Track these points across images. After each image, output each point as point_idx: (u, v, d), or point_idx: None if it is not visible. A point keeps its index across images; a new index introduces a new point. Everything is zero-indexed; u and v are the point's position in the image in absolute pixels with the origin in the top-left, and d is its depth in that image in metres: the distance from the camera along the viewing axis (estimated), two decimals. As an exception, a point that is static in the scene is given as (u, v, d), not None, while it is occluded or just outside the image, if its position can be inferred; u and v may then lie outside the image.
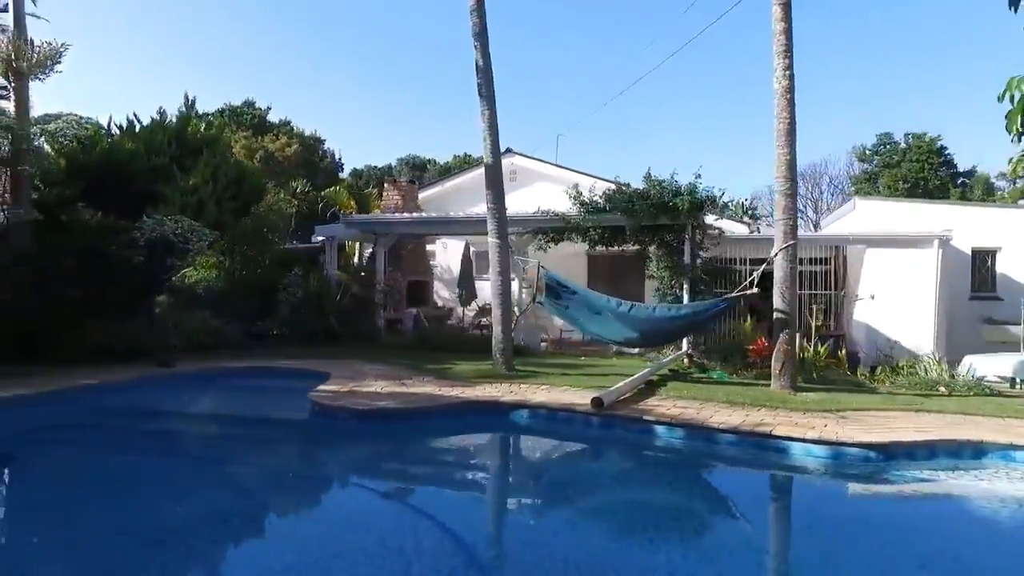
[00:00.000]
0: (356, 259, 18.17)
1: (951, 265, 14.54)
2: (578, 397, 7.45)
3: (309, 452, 6.94)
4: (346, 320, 14.07)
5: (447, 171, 35.76)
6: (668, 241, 12.39)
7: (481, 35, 9.25)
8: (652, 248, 12.60)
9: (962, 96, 48.76)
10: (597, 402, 6.74)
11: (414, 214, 15.71)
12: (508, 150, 20.03)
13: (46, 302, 9.77)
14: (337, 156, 31.33)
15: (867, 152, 35.46)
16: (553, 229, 13.51)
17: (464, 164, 37.62)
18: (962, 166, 33.44)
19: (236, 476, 5.95)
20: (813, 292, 16.71)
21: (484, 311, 17.95)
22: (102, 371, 8.81)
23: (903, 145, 33.77)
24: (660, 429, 6.44)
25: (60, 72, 10.49)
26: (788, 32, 7.92)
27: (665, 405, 7.13)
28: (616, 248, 13.54)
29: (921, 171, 31.92)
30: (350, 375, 8.92)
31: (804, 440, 5.74)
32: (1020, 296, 15.32)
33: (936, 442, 5.76)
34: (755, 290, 8.10)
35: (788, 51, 7.92)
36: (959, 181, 32.66)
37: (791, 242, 8.07)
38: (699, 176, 11.84)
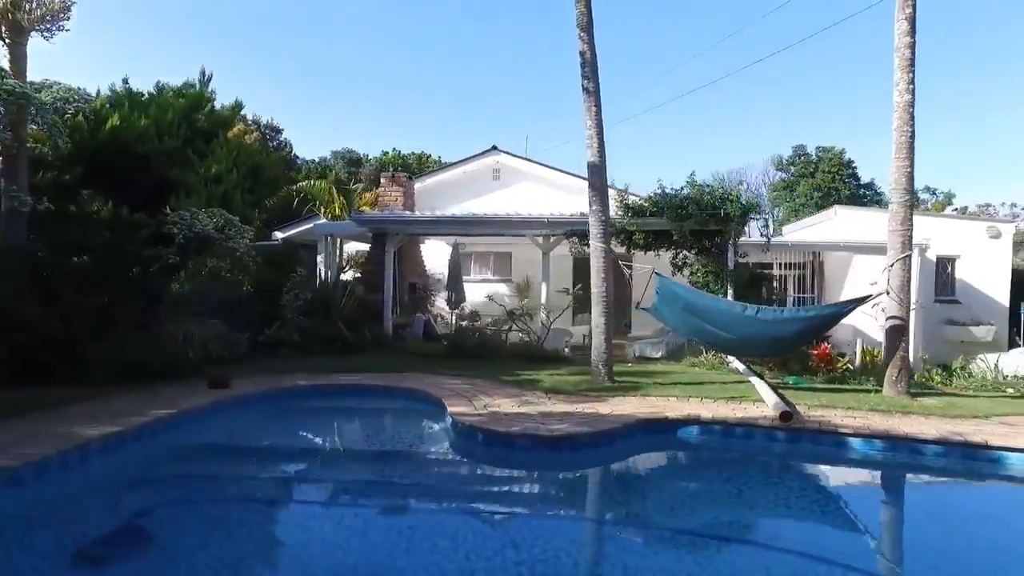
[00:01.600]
0: (337, 259, 16.84)
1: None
2: (728, 409, 7.25)
3: (515, 491, 6.02)
4: (352, 326, 12.96)
5: (383, 167, 34.20)
6: (707, 247, 12.52)
7: (588, 26, 8.76)
8: (691, 253, 12.67)
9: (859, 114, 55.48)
10: (787, 416, 6.54)
11: (436, 213, 14.78)
12: (493, 147, 19.50)
13: (57, 309, 8.10)
14: (292, 148, 28.86)
15: (784, 162, 38.23)
16: (584, 231, 13.19)
17: (395, 161, 36.15)
18: (864, 179, 36.92)
19: (466, 531, 4.74)
20: (800, 296, 17.75)
21: (475, 315, 17.33)
22: (144, 395, 7.43)
23: (815, 157, 36.72)
24: (856, 442, 6.35)
25: (68, 31, 8.71)
26: (912, 46, 8.13)
27: (808, 415, 7.03)
28: (651, 252, 13.43)
29: (833, 181, 34.86)
30: (449, 392, 8.10)
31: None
32: (976, 299, 17.09)
33: None
34: (885, 293, 8.26)
35: (911, 65, 8.13)
36: (862, 192, 36.03)
37: (907, 252, 8.32)
38: (742, 183, 12.06)
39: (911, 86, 8.13)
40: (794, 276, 17.81)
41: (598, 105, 8.85)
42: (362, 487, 5.79)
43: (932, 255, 16.89)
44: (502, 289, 19.60)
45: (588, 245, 13.40)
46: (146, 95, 10.69)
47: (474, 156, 19.54)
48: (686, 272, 12.91)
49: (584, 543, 4.79)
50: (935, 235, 17.02)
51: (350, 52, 58.38)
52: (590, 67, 8.79)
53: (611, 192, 13.65)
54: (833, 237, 17.52)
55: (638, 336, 16.20)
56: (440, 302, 17.46)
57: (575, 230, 13.37)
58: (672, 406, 7.45)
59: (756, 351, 9.35)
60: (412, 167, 35.69)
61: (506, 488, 6.17)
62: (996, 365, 10.91)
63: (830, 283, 17.82)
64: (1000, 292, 16.64)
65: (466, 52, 60.11)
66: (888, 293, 8.38)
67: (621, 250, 13.92)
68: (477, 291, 18.84)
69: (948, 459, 6.04)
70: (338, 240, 15.12)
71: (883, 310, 8.60)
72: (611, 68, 60.97)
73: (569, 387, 8.68)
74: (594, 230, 8.94)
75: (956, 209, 33.46)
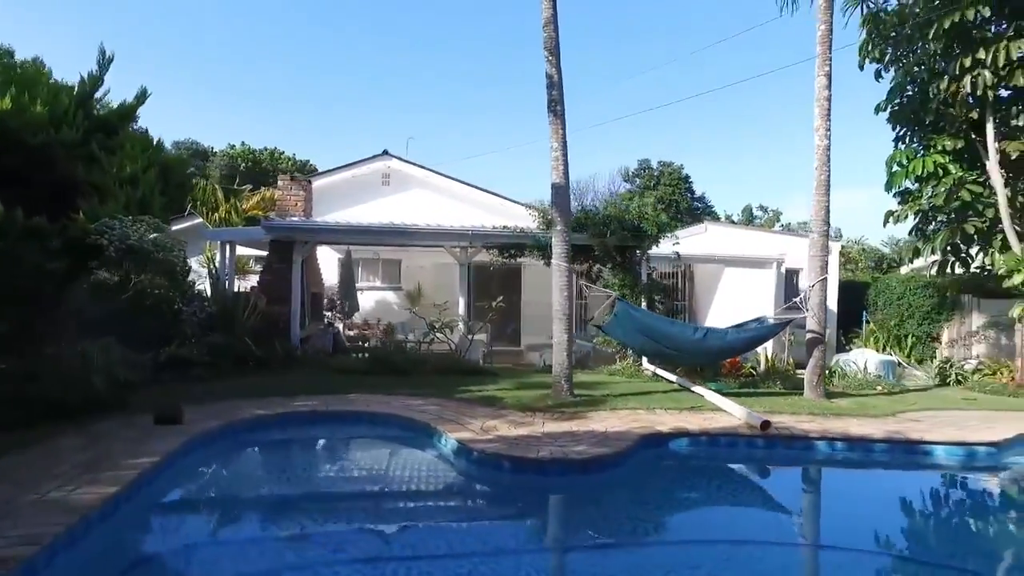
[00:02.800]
0: (214, 266, 15.22)
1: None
2: (700, 420, 7.93)
3: (576, 519, 5.86)
4: (259, 342, 11.99)
5: (233, 161, 31.39)
6: (621, 261, 13.36)
7: (555, 50, 8.98)
8: (607, 267, 13.42)
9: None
10: (766, 425, 7.31)
11: (362, 222, 14.06)
12: (384, 152, 19.03)
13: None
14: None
15: (630, 174, 41.40)
16: (511, 245, 13.42)
17: (245, 156, 33.29)
18: (697, 192, 41.25)
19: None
20: (676, 302, 19.45)
21: (368, 325, 16.76)
22: (80, 438, 6.33)
23: (657, 171, 40.26)
24: (821, 444, 7.29)
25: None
26: (829, 99, 9.44)
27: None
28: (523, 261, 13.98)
29: (674, 194, 38.49)
30: (430, 416, 7.86)
31: (952, 443, 7.15)
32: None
33: None
34: (807, 312, 9.48)
35: (828, 115, 9.43)
36: (696, 205, 40.25)
37: (824, 276, 9.64)
38: (660, 202, 13.07)
39: (828, 132, 9.44)
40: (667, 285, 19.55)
41: (564, 127, 9.11)
42: (422, 534, 5.27)
43: (783, 269, 19.48)
44: (391, 297, 19.20)
45: (508, 256, 13.82)
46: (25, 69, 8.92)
47: (364, 160, 18.85)
48: (600, 284, 13.65)
49: (694, 558, 4.94)
50: (785, 250, 19.67)
51: (190, 34, 52.75)
52: (558, 90, 9.02)
53: (534, 209, 14.11)
54: (706, 250, 19.47)
55: (536, 344, 16.73)
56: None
57: (495, 243, 13.54)
58: (655, 420, 7.93)
59: (697, 362, 10.25)
60: (264, 163, 33.31)
61: (567, 517, 6.12)
62: (838, 363, 13.02)
63: (700, 293, 19.79)
64: (831, 299, 19.62)
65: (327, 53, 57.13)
66: (807, 310, 9.64)
67: (540, 263, 14.34)
68: (365, 299, 18.24)
69: (893, 455, 7.18)
70: (235, 247, 13.79)
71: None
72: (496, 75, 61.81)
73: (537, 404, 8.82)
74: (557, 249, 9.17)
75: (783, 225, 38.74)
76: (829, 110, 9.45)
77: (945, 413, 8.86)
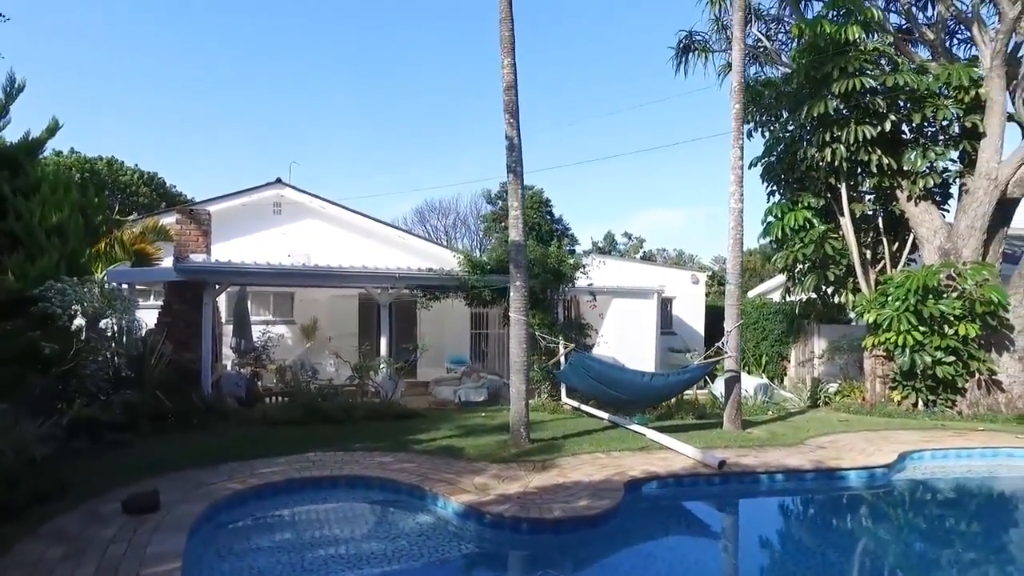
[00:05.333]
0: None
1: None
2: (659, 461, 8.78)
3: None
4: (171, 395, 11.11)
5: (67, 169, 27.54)
6: (540, 300, 14.07)
7: (515, 112, 9.45)
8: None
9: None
10: (723, 463, 8.30)
11: (290, 264, 13.36)
12: (278, 180, 18.20)
13: None
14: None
15: (493, 196, 42.58)
16: (433, 286, 13.58)
17: (79, 165, 29.31)
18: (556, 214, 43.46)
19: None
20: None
21: (261, 363, 15.86)
22: (28, 550, 5.62)
23: (520, 195, 41.79)
24: (766, 478, 8.44)
25: None
26: (742, 168, 10.88)
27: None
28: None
29: (534, 216, 40.19)
30: (413, 476, 7.90)
31: (860, 468, 8.65)
32: (685, 331, 22.19)
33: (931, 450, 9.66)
34: (728, 354, 10.77)
35: (741, 182, 10.87)
36: (555, 227, 42.38)
37: (740, 321, 11.04)
38: (572, 249, 13.99)
39: (742, 197, 10.87)
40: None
41: (522, 188, 9.59)
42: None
43: (662, 298, 21.46)
44: (283, 331, 18.29)
45: (433, 297, 13.94)
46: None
47: (255, 187, 17.87)
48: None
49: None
50: (656, 280, 21.67)
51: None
52: (517, 152, 9.49)
53: (459, 252, 14.38)
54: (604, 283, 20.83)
55: (443, 379, 16.93)
56: (228, 350, 15.56)
57: (418, 284, 13.63)
58: (622, 464, 8.55)
59: (644, 404, 11.21)
60: (102, 174, 29.81)
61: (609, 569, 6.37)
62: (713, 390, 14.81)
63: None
64: (699, 325, 22.01)
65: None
66: (727, 351, 10.97)
67: (464, 303, 14.62)
68: (255, 334, 17.23)
69: (825, 482, 8.54)
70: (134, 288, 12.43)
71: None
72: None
73: (501, 452, 9.14)
74: (515, 304, 9.59)
75: (645, 253, 41.99)
76: (742, 177, 10.90)
77: (838, 437, 10.56)
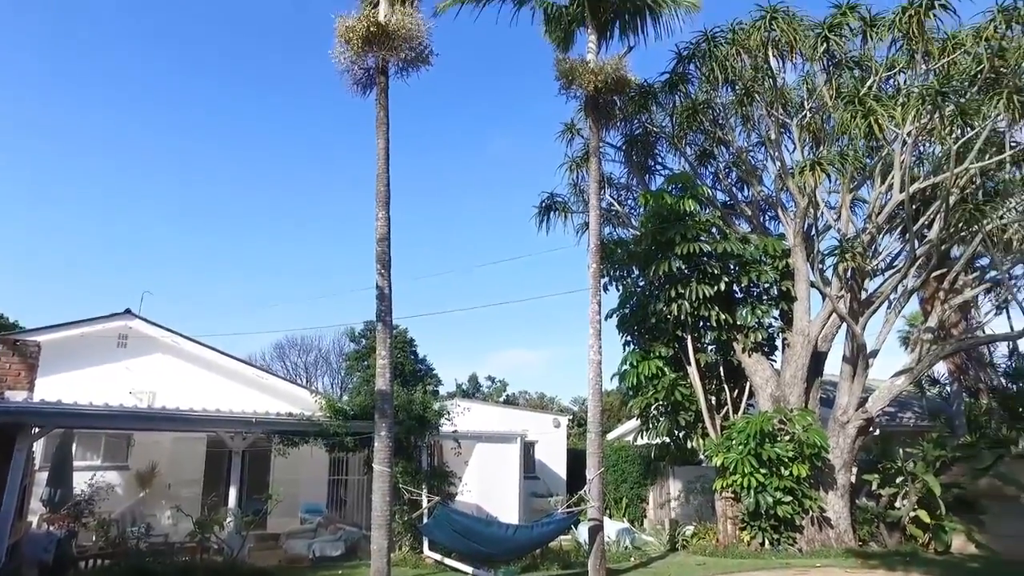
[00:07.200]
0: None
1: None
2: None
3: None
4: None
5: None
6: (404, 447, 13.62)
7: (387, 264, 9.69)
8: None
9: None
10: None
11: (132, 405, 11.95)
12: (127, 311, 16.90)
13: None
14: None
15: (356, 335, 41.74)
16: (293, 432, 12.79)
17: None
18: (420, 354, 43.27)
19: None
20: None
21: (74, 516, 13.66)
22: None
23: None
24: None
25: None
26: (600, 322, 11.72)
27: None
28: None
29: (399, 356, 39.68)
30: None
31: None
32: (548, 474, 22.19)
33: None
34: (592, 503, 10.86)
35: (599, 335, 11.66)
36: (419, 367, 41.95)
37: (602, 469, 11.33)
38: (436, 390, 13.98)
39: (600, 349, 11.61)
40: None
41: (391, 336, 9.65)
42: None
43: (525, 442, 21.55)
44: (113, 478, 16.04)
45: (291, 444, 13.03)
46: None
47: (100, 317, 16.38)
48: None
49: None
50: (519, 424, 21.88)
51: None
52: (387, 302, 9.64)
53: (320, 395, 13.77)
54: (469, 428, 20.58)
55: (296, 531, 15.49)
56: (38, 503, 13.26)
57: (277, 429, 12.80)
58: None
59: (508, 557, 10.86)
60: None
61: None
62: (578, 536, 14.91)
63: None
64: (561, 468, 22.19)
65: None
66: (589, 500, 11.10)
67: (324, 450, 13.79)
68: (77, 482, 14.98)
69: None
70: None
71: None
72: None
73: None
74: (380, 455, 9.27)
75: (508, 396, 42.25)
76: (600, 331, 11.70)
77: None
